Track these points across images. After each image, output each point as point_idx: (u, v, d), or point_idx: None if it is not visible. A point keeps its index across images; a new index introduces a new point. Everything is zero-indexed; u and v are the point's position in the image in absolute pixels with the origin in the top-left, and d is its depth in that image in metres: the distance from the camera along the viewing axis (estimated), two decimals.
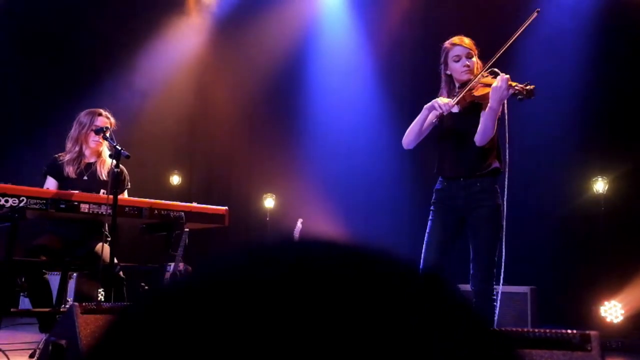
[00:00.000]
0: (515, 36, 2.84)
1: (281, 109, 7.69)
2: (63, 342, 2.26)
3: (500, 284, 2.83)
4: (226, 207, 3.62)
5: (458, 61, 2.89)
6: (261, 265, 0.42)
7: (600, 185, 5.44)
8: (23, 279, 5.81)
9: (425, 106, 2.92)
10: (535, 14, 2.80)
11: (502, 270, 2.81)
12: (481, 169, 2.84)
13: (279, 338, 0.37)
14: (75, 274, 5.69)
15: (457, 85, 2.95)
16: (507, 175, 2.92)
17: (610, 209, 5.38)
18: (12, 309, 3.70)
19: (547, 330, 1.45)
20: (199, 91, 7.98)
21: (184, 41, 7.71)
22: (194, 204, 3.52)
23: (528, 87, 2.66)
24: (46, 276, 3.34)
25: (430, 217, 2.94)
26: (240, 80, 7.69)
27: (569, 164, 5.79)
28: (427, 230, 2.93)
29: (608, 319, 5.03)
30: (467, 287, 3.02)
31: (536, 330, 1.46)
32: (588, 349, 1.43)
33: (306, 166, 7.25)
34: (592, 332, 1.44)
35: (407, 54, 6.79)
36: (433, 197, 2.97)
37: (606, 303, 5.07)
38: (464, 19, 6.32)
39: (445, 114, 2.83)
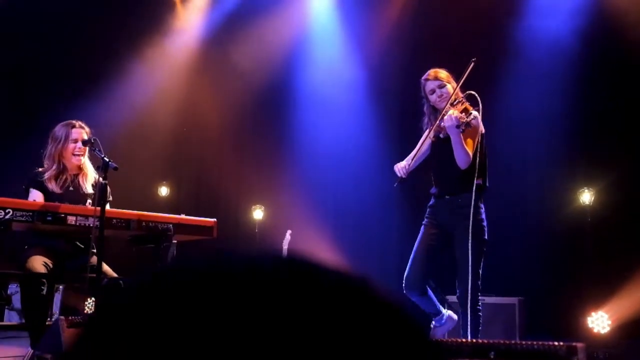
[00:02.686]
0: (458, 85, 3.25)
1: (270, 120, 7.69)
2: (48, 356, 2.24)
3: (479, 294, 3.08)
4: (215, 219, 3.61)
5: (432, 94, 3.28)
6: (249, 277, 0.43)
7: (586, 197, 5.49)
8: (7, 292, 5.72)
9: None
10: (471, 64, 3.23)
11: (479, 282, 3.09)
12: (463, 188, 3.15)
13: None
14: (61, 287, 5.63)
15: (440, 114, 3.30)
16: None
17: (597, 220, 5.43)
18: None
19: (535, 343, 1.46)
20: (187, 103, 7.97)
21: (173, 54, 7.71)
22: (183, 216, 3.51)
23: (470, 119, 3.03)
24: (43, 290, 3.25)
25: (420, 230, 3.31)
26: (229, 91, 7.69)
27: (555, 176, 5.84)
28: (416, 241, 3.30)
29: (595, 330, 5.05)
30: (453, 297, 3.18)
31: (524, 342, 1.46)
32: None
33: (295, 177, 7.25)
34: (579, 344, 1.45)
35: (398, 65, 6.83)
36: (426, 212, 3.35)
37: (593, 314, 5.10)
38: (454, 28, 6.39)
39: (404, 176, 3.20)
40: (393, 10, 7.03)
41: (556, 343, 1.48)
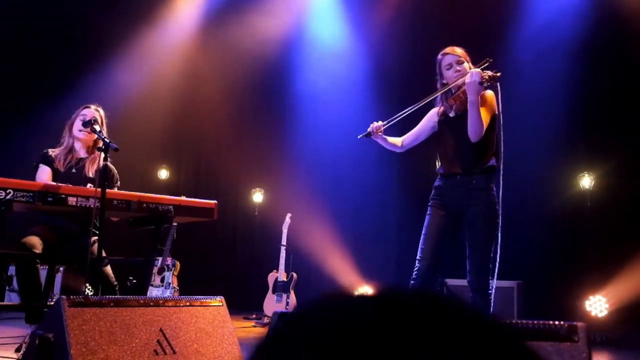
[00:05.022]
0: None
1: (270, 103, 7.66)
2: (50, 335, 2.24)
3: (495, 279, 2.94)
4: (215, 201, 3.60)
5: (450, 69, 3.11)
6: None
7: (586, 181, 5.49)
8: (8, 274, 5.73)
9: None
10: (486, 63, 3.04)
11: (497, 266, 2.92)
12: (477, 167, 2.98)
13: None
14: (62, 268, 5.65)
15: (453, 91, 3.12)
16: (501, 173, 3.01)
17: (596, 204, 5.44)
18: None
19: (535, 322, 1.47)
20: (188, 84, 7.93)
21: (172, 34, 7.65)
22: (183, 198, 3.50)
23: (496, 75, 2.90)
24: (38, 265, 3.30)
25: (427, 212, 3.09)
26: (229, 73, 7.65)
27: (556, 160, 5.83)
28: (425, 224, 3.06)
29: (593, 313, 5.08)
30: (463, 281, 3.09)
31: (524, 321, 1.47)
32: (575, 339, 1.45)
33: (295, 161, 7.25)
34: (579, 324, 1.46)
35: (397, 51, 6.79)
36: (432, 193, 3.13)
37: (591, 297, 5.12)
38: (453, 15, 6.34)
39: (371, 131, 3.19)
40: None
41: (557, 322, 1.48)
